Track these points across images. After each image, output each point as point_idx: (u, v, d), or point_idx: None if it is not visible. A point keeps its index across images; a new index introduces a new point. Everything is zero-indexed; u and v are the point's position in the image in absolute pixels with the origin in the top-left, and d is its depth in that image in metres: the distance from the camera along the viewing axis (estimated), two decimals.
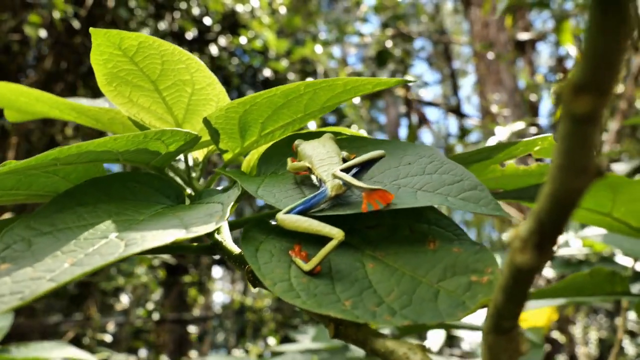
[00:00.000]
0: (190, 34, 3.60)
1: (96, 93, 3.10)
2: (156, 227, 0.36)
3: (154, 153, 0.44)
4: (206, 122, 0.47)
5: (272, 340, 3.98)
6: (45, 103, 0.57)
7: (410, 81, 0.46)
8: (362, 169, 0.41)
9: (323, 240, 0.36)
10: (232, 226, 0.47)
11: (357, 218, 0.40)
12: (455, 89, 8.12)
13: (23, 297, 0.28)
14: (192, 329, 4.39)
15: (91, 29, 0.46)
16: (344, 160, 0.43)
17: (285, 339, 4.40)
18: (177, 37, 3.61)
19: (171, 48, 0.48)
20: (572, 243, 1.36)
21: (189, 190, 0.49)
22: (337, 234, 0.35)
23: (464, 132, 5.14)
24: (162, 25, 3.42)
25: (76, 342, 3.32)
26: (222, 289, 5.87)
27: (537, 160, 0.55)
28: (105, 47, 0.47)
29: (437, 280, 0.34)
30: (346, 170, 0.39)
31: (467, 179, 0.36)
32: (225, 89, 0.52)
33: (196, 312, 4.75)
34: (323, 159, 0.42)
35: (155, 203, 0.43)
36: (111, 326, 3.54)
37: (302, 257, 0.36)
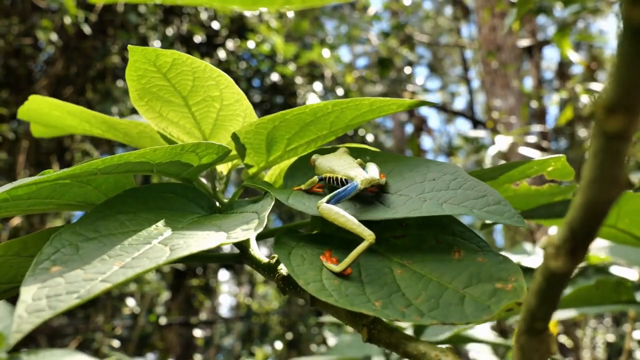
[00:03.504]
0: (198, 38, 3.63)
1: (104, 96, 3.13)
2: (196, 234, 0.38)
3: (186, 165, 0.47)
4: (235, 137, 0.49)
5: (278, 344, 3.99)
6: (76, 116, 0.58)
7: (431, 103, 0.48)
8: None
9: (352, 247, 0.38)
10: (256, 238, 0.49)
11: (384, 228, 0.42)
12: (470, 92, 8.11)
13: (79, 295, 0.30)
14: (199, 333, 4.41)
15: (129, 47, 0.48)
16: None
17: (292, 343, 4.41)
18: (185, 41, 3.64)
19: (203, 65, 0.50)
20: None
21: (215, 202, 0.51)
22: (368, 235, 0.37)
23: (473, 139, 5.15)
24: (171, 30, 3.45)
25: (84, 346, 3.34)
26: (228, 292, 5.89)
27: (550, 181, 0.57)
28: (140, 63, 0.49)
29: (462, 287, 0.36)
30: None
31: (490, 194, 0.38)
32: None
33: (203, 315, 4.77)
34: (343, 165, 0.45)
35: (191, 212, 0.45)
36: (119, 330, 3.56)
37: (332, 262, 0.39)
